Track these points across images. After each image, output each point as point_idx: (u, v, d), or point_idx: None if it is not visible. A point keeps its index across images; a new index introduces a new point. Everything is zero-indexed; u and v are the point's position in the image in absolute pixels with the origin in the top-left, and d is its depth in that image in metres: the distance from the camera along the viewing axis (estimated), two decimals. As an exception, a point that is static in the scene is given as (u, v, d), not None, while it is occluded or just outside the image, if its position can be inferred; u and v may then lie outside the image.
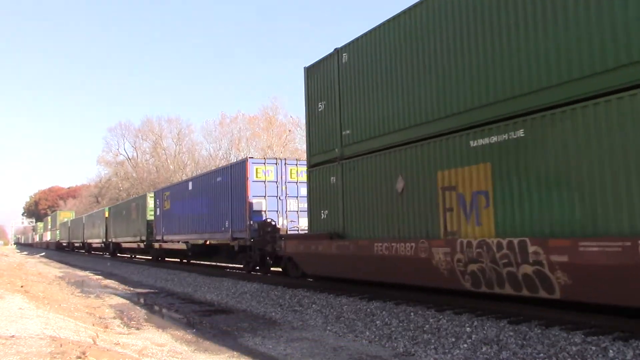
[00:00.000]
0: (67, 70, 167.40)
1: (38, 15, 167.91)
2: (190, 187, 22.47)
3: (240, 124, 53.36)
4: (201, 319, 10.38)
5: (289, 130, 46.03)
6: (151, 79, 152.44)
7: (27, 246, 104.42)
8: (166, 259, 27.95)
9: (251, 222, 16.54)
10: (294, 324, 9.47)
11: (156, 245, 26.73)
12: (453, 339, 7.22)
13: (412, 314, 8.68)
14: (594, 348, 6.02)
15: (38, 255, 50.82)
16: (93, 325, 9.32)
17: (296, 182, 17.51)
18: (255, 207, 16.78)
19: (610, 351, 5.88)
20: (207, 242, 20.88)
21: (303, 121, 45.57)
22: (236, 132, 53.24)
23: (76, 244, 53.08)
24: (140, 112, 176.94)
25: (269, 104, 56.93)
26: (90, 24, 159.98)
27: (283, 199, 17.26)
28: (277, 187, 17.28)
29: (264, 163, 17.38)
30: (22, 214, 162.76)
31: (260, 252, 16.01)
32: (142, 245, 28.92)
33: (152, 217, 27.42)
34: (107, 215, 37.87)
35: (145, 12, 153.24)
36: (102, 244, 39.77)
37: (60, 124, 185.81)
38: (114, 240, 35.86)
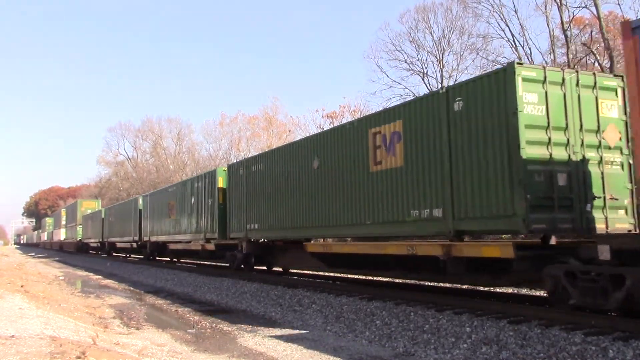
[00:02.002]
0: (68, 70, 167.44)
1: (39, 15, 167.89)
2: None
3: (240, 124, 53.37)
4: (201, 318, 10.37)
5: (289, 130, 45.98)
6: (151, 79, 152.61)
7: (30, 247, 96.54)
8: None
9: None
10: (294, 323, 9.46)
11: None
12: (453, 339, 7.21)
13: (412, 314, 8.68)
14: (594, 348, 6.02)
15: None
16: (93, 325, 9.32)
17: None
18: None
19: (610, 351, 5.88)
20: None
21: (302, 121, 45.39)
22: (236, 132, 53.26)
23: (119, 245, 34.31)
24: (140, 112, 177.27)
25: (269, 104, 56.98)
26: (90, 24, 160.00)
27: None
28: None
29: None
30: (22, 214, 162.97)
31: None
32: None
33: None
34: (222, 184, 18.03)
35: (145, 12, 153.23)
36: (206, 245, 19.28)
37: (60, 124, 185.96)
38: (259, 236, 15.63)
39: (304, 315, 10.09)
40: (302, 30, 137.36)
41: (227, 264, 18.33)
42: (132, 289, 17.09)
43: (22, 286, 14.84)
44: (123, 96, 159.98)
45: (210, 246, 19.08)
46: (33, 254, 55.27)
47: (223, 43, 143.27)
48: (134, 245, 29.95)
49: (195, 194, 20.15)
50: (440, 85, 33.98)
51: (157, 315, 11.43)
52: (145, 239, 27.08)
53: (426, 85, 35.38)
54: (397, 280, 13.72)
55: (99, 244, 40.02)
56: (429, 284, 12.79)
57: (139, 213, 28.57)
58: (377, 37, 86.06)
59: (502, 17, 30.33)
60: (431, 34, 35.36)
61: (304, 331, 8.77)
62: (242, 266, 17.28)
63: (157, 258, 28.15)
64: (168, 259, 27.20)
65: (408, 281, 13.47)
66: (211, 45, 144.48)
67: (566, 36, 27.70)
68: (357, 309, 9.67)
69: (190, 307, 12.05)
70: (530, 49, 29.95)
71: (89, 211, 45.94)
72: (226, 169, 18.23)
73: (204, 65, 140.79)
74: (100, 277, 22.43)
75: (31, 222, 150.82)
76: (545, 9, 28.99)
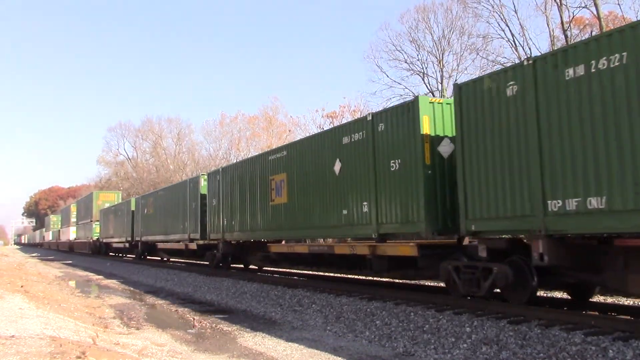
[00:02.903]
0: (67, 70, 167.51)
1: (39, 15, 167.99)
2: None
3: (240, 124, 53.37)
4: (201, 318, 10.37)
5: (289, 130, 45.96)
6: (151, 79, 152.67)
7: (32, 247, 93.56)
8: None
9: None
10: (294, 323, 9.47)
11: None
12: (453, 339, 7.21)
13: (412, 314, 8.68)
14: (594, 348, 6.01)
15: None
16: (93, 325, 9.32)
17: None
18: None
19: (610, 351, 5.88)
20: None
21: (302, 121, 45.33)
22: (236, 132, 53.25)
23: (163, 246, 25.27)
24: (140, 112, 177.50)
25: (269, 104, 57.00)
26: (91, 24, 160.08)
27: None
28: None
29: None
30: (22, 214, 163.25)
31: None
32: None
33: None
34: (428, 128, 9.23)
35: (145, 12, 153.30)
36: (388, 247, 10.39)
37: (60, 124, 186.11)
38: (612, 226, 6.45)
39: (304, 315, 10.08)
40: (302, 30, 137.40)
41: (467, 291, 8.98)
42: (132, 289, 17.09)
43: (22, 286, 14.84)
44: (123, 96, 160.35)
45: (409, 250, 9.86)
46: (36, 254, 52.52)
47: (223, 43, 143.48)
48: (191, 246, 20.72)
49: (345, 155, 11.47)
50: (439, 86, 34.01)
51: (157, 315, 11.43)
52: (215, 237, 18.34)
53: (426, 86, 35.39)
54: (396, 280, 13.66)
55: (126, 245, 30.46)
56: (429, 283, 12.71)
57: (201, 200, 19.36)
58: (377, 37, 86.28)
59: (502, 17, 30.35)
60: (431, 34, 35.37)
61: (304, 331, 8.78)
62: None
63: (232, 265, 18.94)
64: (244, 266, 18.77)
65: (407, 281, 13.40)
66: (211, 46, 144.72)
67: (566, 36, 27.68)
68: (357, 309, 9.66)
69: (190, 307, 12.05)
70: (530, 49, 29.94)
71: (106, 204, 37.43)
72: (436, 99, 9.83)
73: (204, 65, 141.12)
74: (100, 277, 22.42)
75: (31, 222, 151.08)
76: (545, 9, 29.01)
